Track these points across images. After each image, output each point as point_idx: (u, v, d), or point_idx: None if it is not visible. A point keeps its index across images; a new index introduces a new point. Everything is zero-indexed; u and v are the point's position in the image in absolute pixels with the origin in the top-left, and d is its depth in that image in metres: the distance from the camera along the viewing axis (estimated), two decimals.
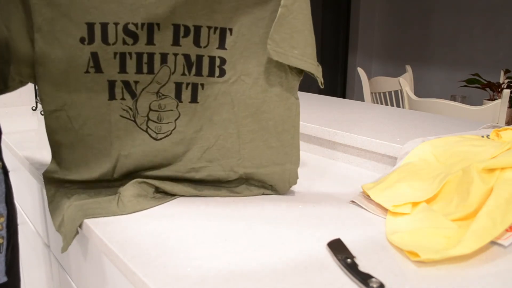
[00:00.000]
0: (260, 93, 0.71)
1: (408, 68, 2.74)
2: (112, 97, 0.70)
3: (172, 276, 0.50)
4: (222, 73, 0.71)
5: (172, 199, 0.72)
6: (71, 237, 0.64)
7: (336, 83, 4.31)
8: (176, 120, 0.73)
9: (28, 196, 1.06)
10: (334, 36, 4.24)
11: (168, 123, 0.72)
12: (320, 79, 0.68)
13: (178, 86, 0.71)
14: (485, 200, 0.59)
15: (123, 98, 0.71)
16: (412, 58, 3.80)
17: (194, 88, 0.72)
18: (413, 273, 0.50)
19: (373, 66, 4.23)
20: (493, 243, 0.57)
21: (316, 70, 0.68)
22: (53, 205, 0.72)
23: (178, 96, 0.72)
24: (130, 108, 0.71)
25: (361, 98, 2.84)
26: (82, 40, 0.66)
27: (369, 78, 2.61)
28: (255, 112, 0.72)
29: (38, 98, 1.47)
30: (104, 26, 0.66)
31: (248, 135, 0.73)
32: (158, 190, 0.72)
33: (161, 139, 0.73)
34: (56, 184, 0.74)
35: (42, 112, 1.35)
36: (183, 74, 0.71)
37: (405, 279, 0.49)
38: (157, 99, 0.71)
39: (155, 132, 0.73)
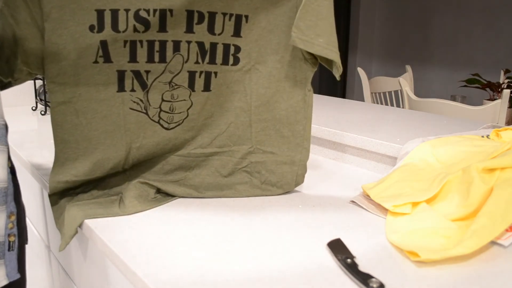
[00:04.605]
0: (273, 82, 0.71)
1: (408, 68, 2.74)
2: (121, 88, 0.68)
3: (172, 276, 0.50)
4: (236, 61, 0.70)
5: (173, 200, 0.72)
6: (70, 236, 0.64)
7: (336, 83, 4.31)
8: (188, 109, 0.71)
9: (28, 197, 1.06)
10: None
11: (180, 112, 0.71)
12: (339, 70, 0.67)
13: (192, 75, 0.70)
14: (485, 200, 0.59)
15: (133, 90, 0.69)
16: (412, 58, 3.80)
17: (207, 76, 0.70)
18: (413, 273, 0.50)
19: (373, 66, 4.23)
20: (493, 243, 0.57)
21: (339, 60, 0.66)
22: (56, 207, 0.71)
23: (191, 85, 0.70)
24: (141, 100, 0.69)
25: (361, 98, 2.84)
26: (91, 28, 0.64)
27: (369, 78, 2.62)
28: (267, 102, 0.72)
29: (38, 98, 1.47)
30: (115, 12, 0.63)
31: (260, 123, 0.73)
32: (159, 191, 0.72)
33: (172, 128, 0.72)
34: (62, 192, 0.71)
35: (42, 112, 1.34)
36: (197, 62, 0.69)
37: (405, 279, 0.49)
38: (170, 89, 0.69)
39: (167, 123, 0.71)
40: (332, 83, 4.25)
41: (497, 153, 0.68)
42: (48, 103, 1.41)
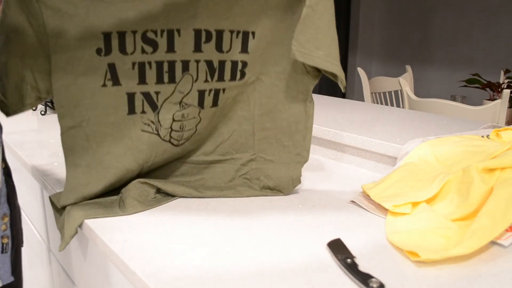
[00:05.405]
0: (276, 93, 0.71)
1: (408, 68, 2.74)
2: (131, 111, 0.67)
3: (172, 276, 0.50)
4: (243, 75, 0.70)
5: (173, 200, 0.72)
6: (70, 236, 0.63)
7: (336, 83, 4.31)
8: (197, 125, 0.72)
9: (28, 197, 1.06)
10: None
11: (189, 129, 0.71)
12: (343, 82, 0.66)
13: (201, 94, 0.69)
14: (485, 200, 0.59)
15: (143, 112, 0.68)
16: (412, 58, 3.80)
17: (216, 93, 0.70)
18: (413, 273, 0.50)
19: (373, 66, 4.23)
20: (493, 243, 0.57)
21: (340, 72, 0.66)
22: (56, 207, 0.71)
23: (201, 103, 0.70)
24: (152, 122, 0.69)
25: (361, 98, 2.84)
26: (98, 51, 0.63)
27: (369, 78, 2.62)
28: (270, 111, 0.72)
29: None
30: (122, 35, 0.62)
31: (262, 132, 0.74)
32: (159, 191, 0.72)
33: (182, 144, 0.72)
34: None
35: (42, 112, 1.35)
36: (206, 81, 0.69)
37: (405, 279, 0.49)
38: (180, 109, 0.69)
39: (177, 140, 0.71)
40: (332, 83, 4.25)
41: (497, 153, 0.68)
42: (48, 104, 1.41)
